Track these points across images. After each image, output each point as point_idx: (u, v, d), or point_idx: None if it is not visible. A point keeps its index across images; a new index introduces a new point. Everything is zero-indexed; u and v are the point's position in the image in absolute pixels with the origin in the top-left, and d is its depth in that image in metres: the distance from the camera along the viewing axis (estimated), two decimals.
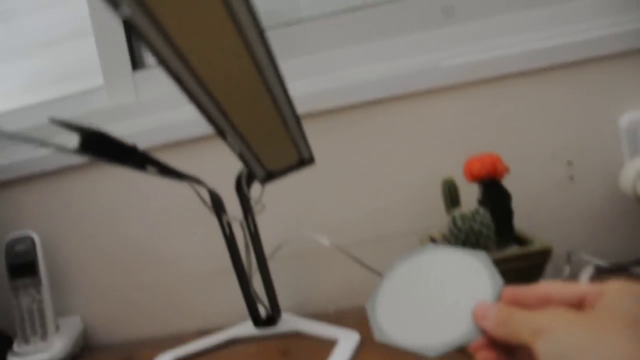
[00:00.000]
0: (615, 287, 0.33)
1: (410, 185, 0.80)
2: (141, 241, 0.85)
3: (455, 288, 0.42)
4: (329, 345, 0.66)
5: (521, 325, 0.34)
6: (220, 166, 0.69)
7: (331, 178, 0.81)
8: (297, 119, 0.52)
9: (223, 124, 0.47)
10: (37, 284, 0.80)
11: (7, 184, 0.87)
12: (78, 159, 0.83)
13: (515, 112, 0.78)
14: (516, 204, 0.70)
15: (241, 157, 0.51)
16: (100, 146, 0.50)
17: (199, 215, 0.81)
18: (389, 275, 0.46)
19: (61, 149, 0.49)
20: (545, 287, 0.37)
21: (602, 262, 0.65)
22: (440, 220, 0.72)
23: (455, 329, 0.40)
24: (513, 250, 0.60)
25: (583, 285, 0.35)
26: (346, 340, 0.66)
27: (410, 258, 0.46)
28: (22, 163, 0.86)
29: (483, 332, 0.37)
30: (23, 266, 0.80)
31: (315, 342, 0.70)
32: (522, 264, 0.59)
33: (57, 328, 0.82)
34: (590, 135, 0.78)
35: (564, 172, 0.79)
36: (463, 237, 0.60)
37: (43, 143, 0.48)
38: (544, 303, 0.36)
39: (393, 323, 0.43)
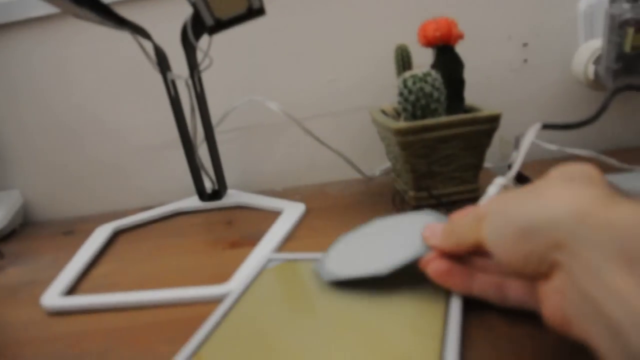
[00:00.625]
0: (558, 168, 0.32)
1: (365, 57, 0.77)
2: (86, 110, 0.81)
3: (404, 233, 0.43)
4: (274, 215, 0.66)
5: (466, 226, 0.34)
6: (164, 24, 0.64)
7: (283, 45, 0.78)
8: None
9: None
10: None
11: None
12: (19, 13, 0.76)
13: None
14: (468, 84, 0.68)
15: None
16: None
17: (144, 81, 0.77)
18: (338, 240, 0.47)
19: None
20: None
21: (551, 147, 0.65)
22: (392, 95, 0.71)
23: (404, 252, 0.40)
24: (461, 115, 0.60)
25: None
26: (291, 210, 0.65)
27: (358, 229, 0.48)
28: None
29: (433, 249, 0.38)
30: None
31: (261, 213, 0.69)
32: (470, 130, 0.58)
33: None
34: (547, 18, 0.77)
35: (519, 54, 0.79)
36: (413, 99, 0.58)
37: None
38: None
39: (342, 265, 0.43)
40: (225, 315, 0.41)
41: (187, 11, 0.60)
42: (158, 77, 0.66)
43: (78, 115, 0.81)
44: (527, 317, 0.35)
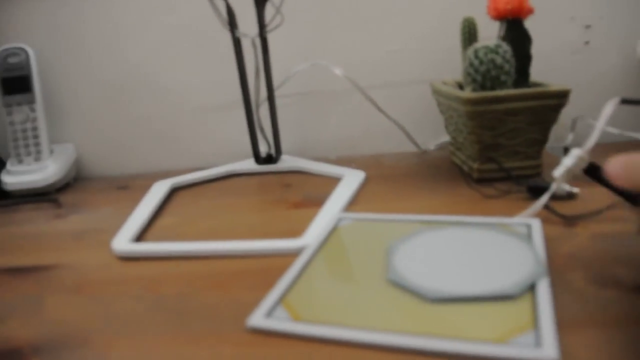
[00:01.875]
0: None
1: (427, 29, 0.77)
2: (143, 68, 0.81)
3: (491, 255, 0.40)
4: (333, 180, 0.66)
5: None
6: None
7: (346, 12, 0.77)
8: None
9: None
10: (32, 101, 0.77)
11: None
12: None
13: None
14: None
15: None
16: None
17: (206, 41, 0.78)
18: (397, 246, 0.43)
19: None
20: None
21: (613, 131, 0.64)
22: (453, 70, 0.70)
23: (518, 272, 0.37)
24: (531, 88, 0.59)
25: None
26: (351, 177, 0.66)
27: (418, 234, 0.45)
28: None
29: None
30: (16, 80, 0.76)
31: (319, 178, 0.70)
32: (538, 104, 0.58)
33: (51, 152, 0.80)
34: (612, 1, 0.76)
35: (581, 36, 0.78)
36: (484, 69, 0.58)
37: None
38: None
39: (442, 281, 0.38)
40: (305, 266, 0.42)
41: None
42: (218, 36, 0.66)
43: (134, 72, 0.81)
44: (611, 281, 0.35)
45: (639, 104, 0.54)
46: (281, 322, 0.34)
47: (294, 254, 0.45)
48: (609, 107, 0.55)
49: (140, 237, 0.55)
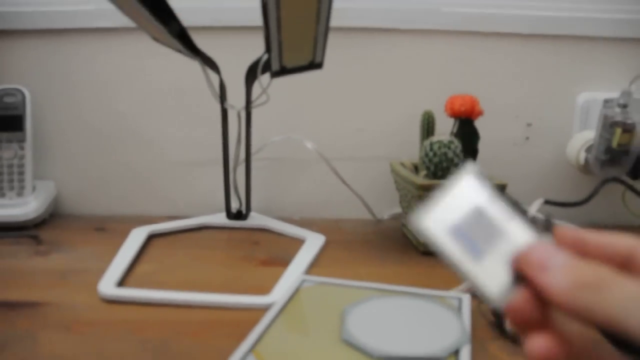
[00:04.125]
0: None
1: (392, 114, 0.87)
2: (129, 119, 0.88)
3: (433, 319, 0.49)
4: (297, 242, 0.74)
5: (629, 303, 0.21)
6: (228, 59, 0.73)
7: (323, 92, 0.87)
8: (328, 24, 0.58)
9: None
10: (22, 140, 0.82)
11: (4, 33, 0.86)
12: (82, 21, 0.84)
13: (495, 68, 0.87)
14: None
15: (267, 38, 0.56)
16: None
17: (192, 103, 0.86)
18: (350, 310, 0.50)
19: None
20: (630, 242, 0.25)
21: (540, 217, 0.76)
22: (412, 151, 0.81)
23: (449, 337, 0.46)
24: None
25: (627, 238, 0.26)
26: (313, 239, 0.74)
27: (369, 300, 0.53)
28: (28, 14, 0.85)
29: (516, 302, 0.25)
30: (10, 119, 0.81)
31: (284, 238, 0.78)
32: None
33: (34, 188, 0.85)
34: (551, 105, 0.89)
35: (522, 132, 0.90)
36: (437, 160, 0.68)
37: None
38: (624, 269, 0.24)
39: (385, 341, 0.45)
40: (272, 321, 0.49)
41: (248, 46, 0.69)
42: (205, 99, 0.74)
43: (121, 121, 0.88)
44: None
45: (559, 205, 0.66)
46: None
47: (262, 309, 0.52)
48: (536, 205, 0.66)
49: (122, 281, 0.61)
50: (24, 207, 0.81)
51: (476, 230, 0.27)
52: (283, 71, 0.65)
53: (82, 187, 0.91)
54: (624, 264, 0.24)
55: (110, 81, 0.87)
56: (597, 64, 0.87)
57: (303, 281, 0.58)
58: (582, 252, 0.25)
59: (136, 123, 0.88)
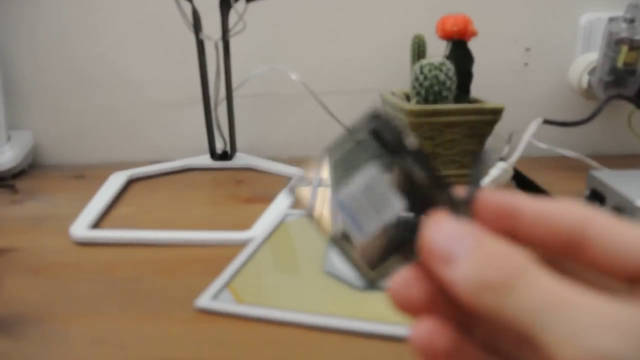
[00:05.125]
0: None
1: (381, 41, 0.82)
2: (106, 60, 0.83)
3: None
4: (283, 179, 0.70)
5: (557, 321, 0.16)
6: None
7: (306, 20, 0.82)
8: None
9: None
10: None
11: None
12: None
13: None
14: (473, 80, 0.74)
15: None
16: None
17: (170, 39, 0.80)
18: None
19: None
20: (578, 214, 0.19)
21: (543, 146, 0.71)
22: (402, 81, 0.76)
23: None
24: (469, 104, 0.65)
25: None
26: (301, 177, 0.70)
27: None
28: None
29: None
30: None
31: (270, 176, 0.74)
32: (475, 119, 0.64)
33: (9, 138, 0.81)
34: (551, 28, 0.83)
35: (521, 57, 0.84)
36: (427, 84, 0.64)
37: None
38: (569, 251, 0.19)
39: None
40: (251, 256, 0.46)
41: None
42: (183, 35, 0.69)
43: (98, 64, 0.83)
44: None
45: (559, 125, 0.61)
46: (226, 304, 0.39)
47: (241, 245, 0.49)
48: (533, 126, 0.62)
49: (97, 224, 0.58)
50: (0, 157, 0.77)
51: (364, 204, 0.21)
52: None
53: (61, 135, 0.87)
54: (569, 244, 0.19)
55: (79, 21, 0.82)
56: None
57: (287, 215, 0.55)
58: (513, 228, 0.20)
59: (114, 63, 0.84)
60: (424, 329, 0.20)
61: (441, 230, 0.19)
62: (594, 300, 0.17)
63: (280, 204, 0.59)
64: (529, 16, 0.83)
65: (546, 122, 0.60)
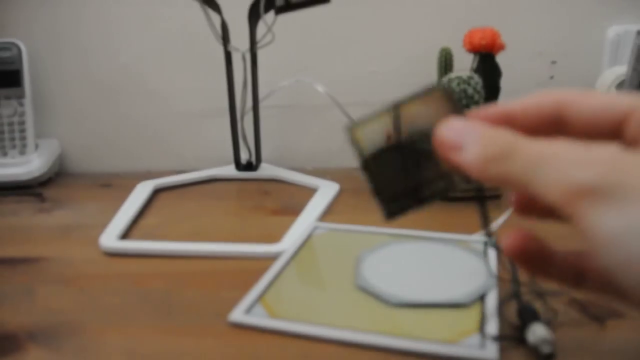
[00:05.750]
0: None
1: (407, 54, 0.82)
2: (134, 70, 0.84)
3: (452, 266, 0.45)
4: (309, 191, 0.70)
5: (544, 169, 0.21)
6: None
7: (333, 32, 0.82)
8: None
9: None
10: (21, 96, 0.79)
11: None
12: None
13: (518, 0, 0.81)
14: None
15: None
16: None
17: (198, 49, 0.81)
18: (364, 257, 0.47)
19: None
20: (554, 97, 0.25)
21: None
22: None
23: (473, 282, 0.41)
24: None
25: (617, 97, 0.24)
26: (326, 188, 0.70)
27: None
28: None
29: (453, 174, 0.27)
30: (7, 74, 0.78)
31: (296, 187, 0.74)
32: None
33: (36, 146, 0.82)
34: (577, 40, 0.82)
35: (546, 70, 0.84)
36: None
37: None
38: (551, 127, 0.25)
39: (404, 289, 0.41)
40: (282, 270, 0.46)
41: None
42: (209, 46, 0.70)
43: (123, 74, 0.84)
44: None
45: None
46: (259, 318, 0.38)
47: (271, 258, 0.49)
48: None
49: (125, 235, 0.58)
50: (27, 165, 0.79)
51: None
52: (288, 6, 0.60)
53: (87, 144, 0.87)
54: (555, 121, 0.25)
55: (110, 31, 0.83)
56: None
57: (315, 228, 0.55)
58: (512, 127, 0.25)
59: (140, 74, 0.84)
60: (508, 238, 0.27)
61: (453, 127, 0.25)
62: (570, 148, 0.21)
63: (309, 216, 0.59)
64: (555, 28, 0.83)
65: None
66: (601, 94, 0.25)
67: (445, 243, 0.50)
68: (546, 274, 0.28)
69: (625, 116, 0.23)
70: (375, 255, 0.48)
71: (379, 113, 0.30)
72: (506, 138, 0.23)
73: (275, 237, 0.54)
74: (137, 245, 0.54)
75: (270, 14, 0.64)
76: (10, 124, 0.80)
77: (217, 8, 0.65)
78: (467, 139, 0.24)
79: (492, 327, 0.36)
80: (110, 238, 0.55)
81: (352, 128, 0.29)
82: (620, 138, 0.24)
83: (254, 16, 0.65)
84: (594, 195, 0.19)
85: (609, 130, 0.24)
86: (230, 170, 0.78)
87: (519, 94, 0.75)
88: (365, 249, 0.48)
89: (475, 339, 0.35)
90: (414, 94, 0.30)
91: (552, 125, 0.25)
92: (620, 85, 0.78)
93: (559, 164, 0.21)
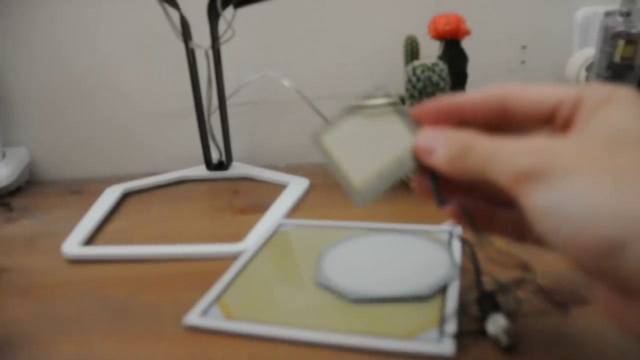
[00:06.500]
0: (605, 94, 0.25)
1: (374, 44, 0.81)
2: (98, 72, 0.83)
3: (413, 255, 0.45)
4: (279, 188, 0.69)
5: (495, 160, 0.26)
6: None
7: (298, 25, 0.81)
8: None
9: None
10: None
11: None
12: None
13: None
14: (468, 80, 0.73)
15: None
16: None
17: (161, 48, 0.80)
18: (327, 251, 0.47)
19: None
20: (497, 90, 0.29)
21: None
22: (399, 83, 0.74)
23: (433, 274, 0.41)
24: None
25: (551, 88, 0.27)
26: (296, 184, 0.69)
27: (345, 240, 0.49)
28: None
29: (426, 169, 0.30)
30: None
31: (266, 185, 0.73)
32: None
33: (3, 155, 0.81)
34: (547, 24, 0.82)
35: (517, 55, 0.83)
36: (420, 86, 0.62)
37: None
38: (496, 116, 0.29)
39: (362, 283, 0.41)
40: (242, 269, 0.45)
41: None
42: (175, 45, 0.68)
43: (91, 76, 0.83)
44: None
45: None
46: (215, 320, 0.38)
47: (233, 258, 0.48)
48: None
49: (90, 241, 0.57)
50: None
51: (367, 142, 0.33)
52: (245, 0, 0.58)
53: (57, 150, 0.86)
54: (499, 111, 0.29)
55: (71, 34, 0.82)
56: None
57: (280, 225, 0.54)
58: (461, 117, 0.30)
59: (106, 76, 0.83)
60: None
61: (425, 135, 0.30)
62: (512, 141, 0.25)
63: (275, 213, 0.58)
64: (524, 13, 0.82)
65: None
66: (539, 87, 0.28)
67: (411, 235, 0.49)
68: (490, 230, 0.33)
69: (557, 105, 0.27)
70: (337, 250, 0.47)
71: (340, 117, 0.33)
72: (464, 138, 0.28)
73: (240, 236, 0.53)
74: (99, 250, 0.53)
75: (230, 9, 0.63)
76: None
77: (175, 4, 0.64)
78: (435, 144, 0.29)
79: (452, 320, 0.35)
80: (72, 245, 0.54)
81: (318, 137, 0.34)
82: (554, 124, 0.27)
83: (213, 12, 0.63)
84: (531, 178, 0.23)
85: (545, 118, 0.27)
86: (201, 171, 0.77)
87: (490, 80, 0.74)
88: (328, 245, 0.47)
89: (433, 333, 0.34)
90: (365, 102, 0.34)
91: (498, 116, 0.29)
92: (589, 68, 0.77)
93: (504, 155, 0.25)
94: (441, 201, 0.31)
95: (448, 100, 0.30)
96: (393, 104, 0.33)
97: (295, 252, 0.48)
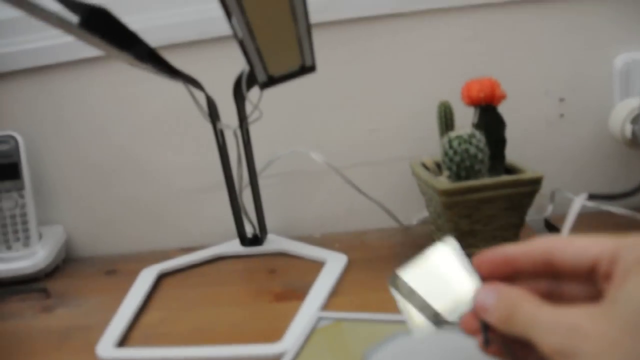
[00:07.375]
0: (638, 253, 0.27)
1: (406, 109, 0.79)
2: (129, 151, 0.83)
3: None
4: (316, 265, 0.67)
5: (535, 330, 0.28)
6: (216, 73, 0.67)
7: (326, 95, 0.80)
8: (308, 22, 0.50)
9: (232, 3, 0.45)
10: (21, 188, 0.78)
11: None
12: (68, 55, 0.79)
13: (514, 42, 0.78)
14: (507, 137, 0.70)
15: (243, 49, 0.50)
16: (102, 26, 0.47)
17: (190, 126, 0.80)
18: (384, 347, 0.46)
19: (60, 20, 0.45)
20: (544, 244, 0.31)
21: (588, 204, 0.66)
22: (433, 147, 0.72)
23: None
24: (505, 176, 0.61)
25: (591, 242, 0.29)
26: (334, 262, 0.67)
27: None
28: (10, 55, 0.81)
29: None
30: (5, 167, 0.78)
31: (303, 262, 0.71)
32: (512, 192, 0.60)
33: (40, 236, 0.81)
34: (584, 74, 0.78)
35: (555, 109, 0.80)
36: (458, 159, 0.60)
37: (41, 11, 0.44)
38: (545, 268, 0.31)
39: None
40: None
41: (237, 57, 0.61)
42: (202, 123, 0.68)
43: (119, 155, 0.83)
44: None
45: (604, 200, 0.56)
46: None
47: (272, 359, 0.46)
48: (578, 203, 0.57)
49: (125, 336, 0.56)
50: (32, 258, 0.78)
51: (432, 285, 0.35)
52: (272, 81, 0.58)
53: (92, 228, 0.87)
54: (546, 266, 0.31)
55: (102, 113, 0.83)
56: (632, 17, 0.76)
57: (319, 319, 0.51)
58: (513, 268, 0.32)
59: (136, 154, 0.83)
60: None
61: (479, 294, 0.32)
62: (549, 312, 0.28)
63: (313, 302, 0.56)
64: (559, 63, 0.79)
65: (592, 197, 0.56)
66: (580, 240, 0.30)
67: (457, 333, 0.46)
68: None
69: (595, 261, 0.29)
70: (381, 353, 0.44)
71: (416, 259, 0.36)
72: (512, 298, 0.30)
73: (277, 331, 0.51)
74: (133, 353, 0.51)
75: (256, 90, 0.62)
76: (12, 216, 0.79)
77: (199, 86, 0.63)
78: (489, 302, 0.31)
79: None
80: (107, 347, 0.53)
81: (393, 281, 0.36)
82: (596, 277, 0.29)
83: (239, 93, 0.63)
84: (563, 357, 0.26)
85: (587, 272, 0.29)
86: (235, 246, 0.76)
87: (528, 139, 0.71)
88: (371, 346, 0.45)
89: None
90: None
91: (547, 269, 0.31)
92: (635, 120, 0.74)
93: (542, 326, 0.28)
94: (487, 342, 0.32)
95: (502, 251, 0.32)
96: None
97: (336, 354, 0.45)
